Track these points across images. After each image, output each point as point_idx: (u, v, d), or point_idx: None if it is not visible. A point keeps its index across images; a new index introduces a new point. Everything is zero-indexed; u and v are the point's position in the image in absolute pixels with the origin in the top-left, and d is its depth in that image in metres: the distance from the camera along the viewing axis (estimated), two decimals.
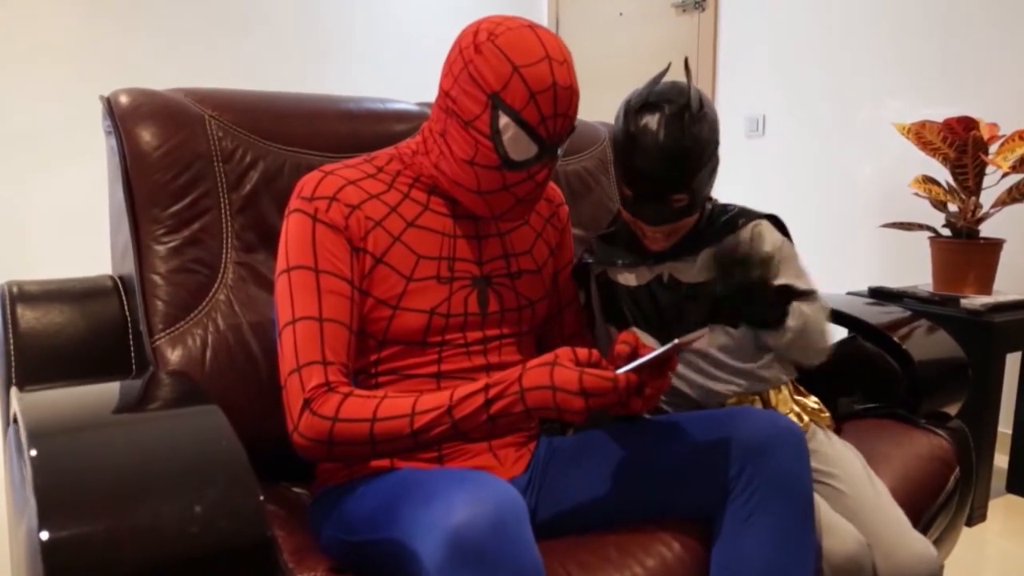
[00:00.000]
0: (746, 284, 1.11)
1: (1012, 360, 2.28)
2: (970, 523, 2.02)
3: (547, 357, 0.92)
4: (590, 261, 1.27)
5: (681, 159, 1.08)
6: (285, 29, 3.23)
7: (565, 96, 0.99)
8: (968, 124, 1.94)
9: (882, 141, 2.68)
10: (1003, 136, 2.01)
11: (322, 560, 0.96)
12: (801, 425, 1.21)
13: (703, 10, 3.21)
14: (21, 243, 2.77)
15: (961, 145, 1.97)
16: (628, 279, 1.23)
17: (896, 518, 1.13)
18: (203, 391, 0.97)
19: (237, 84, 3.12)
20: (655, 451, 1.04)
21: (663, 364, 0.94)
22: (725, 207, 1.25)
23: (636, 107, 1.11)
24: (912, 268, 2.61)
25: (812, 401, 1.27)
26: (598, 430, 1.12)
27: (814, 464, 1.18)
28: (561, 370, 0.89)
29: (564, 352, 0.92)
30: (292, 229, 1.03)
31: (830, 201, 2.88)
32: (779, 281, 1.16)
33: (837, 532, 1.05)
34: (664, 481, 1.02)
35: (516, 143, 0.99)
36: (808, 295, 1.18)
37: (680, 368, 1.21)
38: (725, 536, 0.97)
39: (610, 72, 3.63)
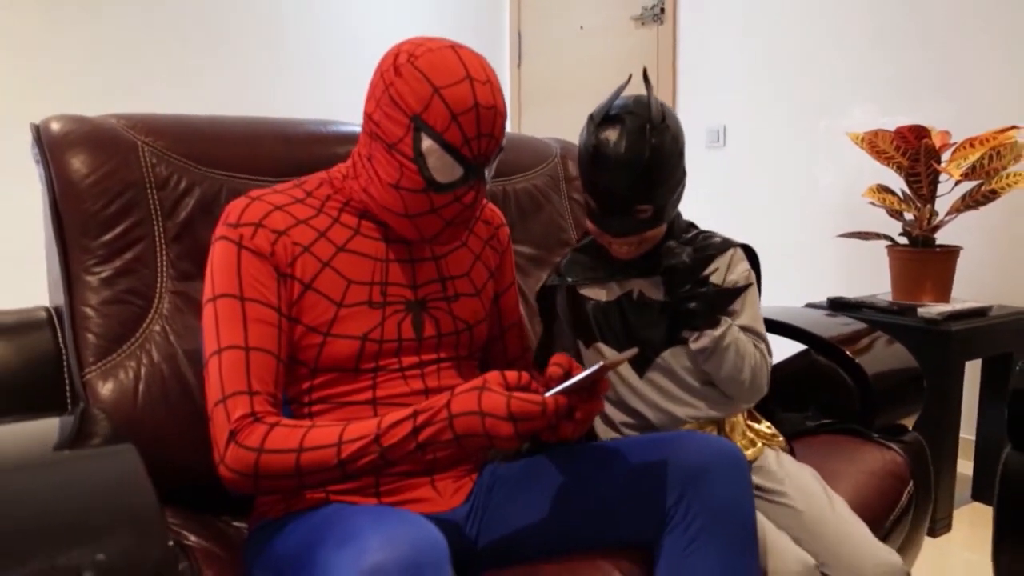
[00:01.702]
0: (675, 271, 1.15)
1: (974, 367, 2.28)
2: (934, 534, 2.01)
3: (476, 382, 0.89)
4: (555, 283, 1.27)
5: (643, 170, 1.09)
6: (249, 51, 3.21)
7: (488, 116, 0.97)
8: (919, 132, 1.94)
9: (841, 151, 2.69)
10: (955, 144, 2.02)
11: None
12: (754, 450, 1.20)
13: (662, 23, 3.22)
14: None
15: (914, 154, 1.97)
16: (598, 294, 1.23)
17: (857, 531, 1.12)
18: (121, 430, 0.94)
19: (203, 108, 3.09)
20: (594, 479, 1.02)
21: (594, 386, 0.92)
22: (699, 230, 1.26)
23: (598, 120, 1.12)
24: (872, 277, 2.61)
25: (765, 426, 1.27)
26: (542, 457, 1.10)
27: (768, 485, 1.17)
28: (489, 395, 0.87)
29: (493, 376, 0.90)
30: (217, 257, 1.00)
31: (790, 211, 2.88)
32: (717, 282, 1.18)
33: (782, 554, 1.03)
34: (603, 510, 1.00)
35: (440, 165, 0.97)
36: (750, 332, 1.19)
37: (645, 389, 1.20)
38: (666, 565, 0.95)
39: (572, 85, 3.64)
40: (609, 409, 1.25)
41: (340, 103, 3.45)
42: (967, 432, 2.32)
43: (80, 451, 0.85)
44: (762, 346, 1.20)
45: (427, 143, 0.96)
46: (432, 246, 1.13)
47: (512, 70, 3.91)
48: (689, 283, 1.15)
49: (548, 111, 3.77)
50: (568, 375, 0.95)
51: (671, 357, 1.20)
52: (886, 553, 1.10)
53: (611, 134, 1.10)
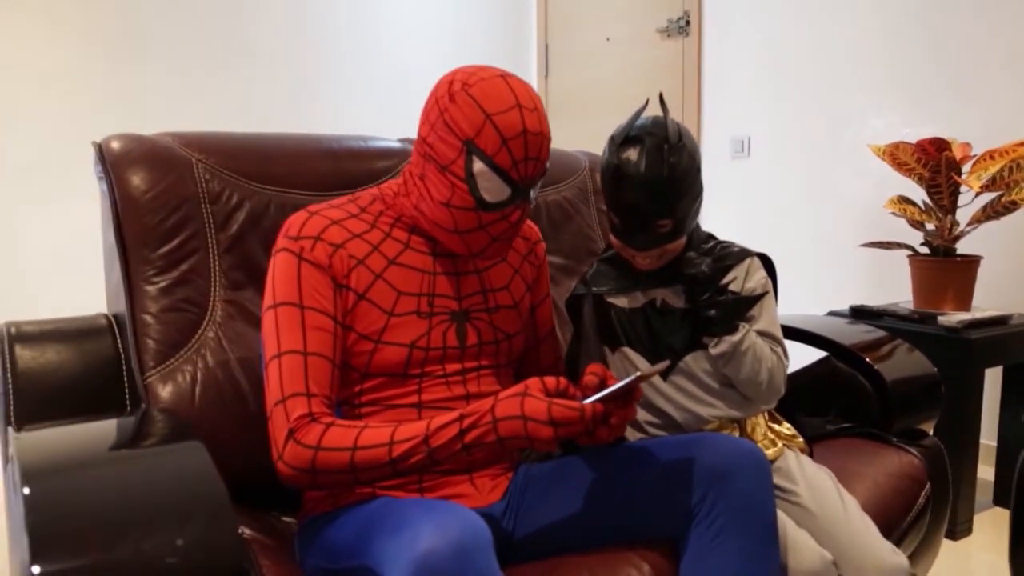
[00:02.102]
0: (696, 280, 1.21)
1: (995, 374, 2.31)
2: (955, 537, 2.05)
3: (518, 388, 0.96)
4: (583, 292, 1.34)
5: (662, 188, 1.16)
6: (276, 66, 3.31)
7: (536, 141, 1.04)
8: (940, 145, 1.99)
9: (865, 162, 2.73)
10: (975, 156, 2.06)
11: None
12: (775, 450, 1.26)
13: (687, 35, 3.28)
14: (20, 283, 2.82)
15: (935, 166, 2.01)
16: (623, 302, 1.30)
17: (864, 530, 1.18)
18: (188, 428, 1.01)
19: (228, 121, 3.19)
20: (624, 477, 1.08)
21: (628, 395, 0.99)
22: (720, 242, 1.32)
23: (619, 141, 1.19)
24: (894, 286, 2.65)
25: (785, 428, 1.32)
26: (573, 457, 1.16)
27: (785, 484, 1.23)
28: (531, 400, 0.94)
29: (534, 383, 0.97)
30: (279, 267, 1.08)
31: (814, 221, 2.93)
32: (736, 290, 1.24)
33: (801, 550, 1.09)
34: (632, 506, 1.06)
35: (490, 186, 1.04)
36: (768, 336, 1.25)
37: (669, 391, 1.27)
38: (692, 558, 1.01)
39: (599, 98, 3.70)
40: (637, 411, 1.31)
41: (370, 122, 3.54)
42: (988, 438, 2.35)
43: (154, 448, 0.93)
44: (779, 350, 1.26)
45: (478, 165, 1.04)
46: (476, 260, 1.20)
47: (539, 82, 3.98)
48: (709, 292, 1.21)
49: (575, 123, 3.83)
50: (603, 384, 1.02)
51: (692, 361, 1.26)
52: (890, 553, 1.16)
53: (631, 154, 1.17)
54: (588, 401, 0.94)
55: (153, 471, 0.86)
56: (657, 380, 1.28)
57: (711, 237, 1.33)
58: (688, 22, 3.27)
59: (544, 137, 1.05)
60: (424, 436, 0.96)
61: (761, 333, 1.25)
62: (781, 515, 1.15)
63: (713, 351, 1.22)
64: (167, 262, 1.29)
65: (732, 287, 1.25)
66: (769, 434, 1.29)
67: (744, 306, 1.22)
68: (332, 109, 3.47)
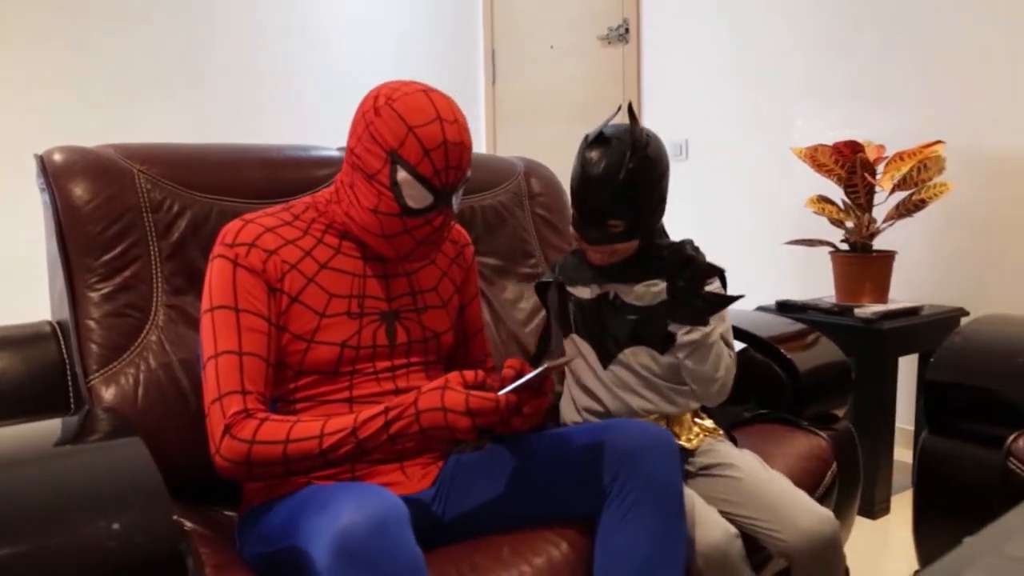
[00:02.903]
0: (693, 262, 1.28)
1: (912, 362, 2.45)
2: (873, 516, 2.17)
3: (439, 381, 1.04)
4: (548, 280, 1.44)
5: (617, 190, 1.25)
6: (222, 76, 3.34)
7: (456, 151, 1.12)
8: (854, 147, 2.11)
9: (792, 163, 2.86)
10: (888, 157, 2.19)
11: (243, 573, 1.06)
12: (697, 440, 1.36)
13: (627, 42, 3.39)
14: None
15: (850, 167, 2.14)
16: (581, 292, 1.39)
17: (793, 492, 1.28)
18: (128, 425, 1.07)
19: (174, 133, 3.21)
20: (542, 463, 1.17)
21: (540, 385, 1.07)
22: (685, 251, 1.37)
23: (589, 140, 1.29)
24: (820, 282, 2.78)
25: (708, 422, 1.42)
26: (499, 446, 1.25)
27: (711, 461, 1.33)
28: (451, 393, 1.02)
29: (454, 376, 1.05)
30: (215, 273, 1.14)
31: (746, 220, 3.06)
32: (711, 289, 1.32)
33: (707, 524, 1.18)
34: (551, 489, 1.15)
35: (413, 193, 1.12)
36: (726, 342, 1.35)
37: (608, 380, 1.36)
38: (605, 534, 1.10)
39: (545, 103, 3.79)
40: (577, 394, 1.41)
41: (319, 128, 3.58)
42: (906, 423, 2.49)
43: (94, 443, 0.98)
44: (732, 355, 1.36)
45: (402, 174, 1.11)
46: (404, 263, 1.27)
47: (487, 88, 4.06)
48: (700, 281, 1.28)
49: (522, 129, 3.92)
50: (520, 375, 1.10)
51: (631, 355, 1.35)
52: (822, 509, 1.25)
53: (595, 154, 1.27)
54: (502, 392, 1.02)
55: (92, 464, 0.91)
56: (598, 370, 1.37)
57: (672, 245, 1.39)
58: (627, 30, 3.38)
59: (464, 147, 1.13)
60: (352, 428, 1.03)
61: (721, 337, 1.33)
62: (692, 494, 1.25)
63: (684, 338, 1.29)
64: (109, 269, 1.33)
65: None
66: (694, 428, 1.39)
67: (724, 302, 1.30)
68: (278, 118, 3.51)
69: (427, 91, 1.13)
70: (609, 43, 3.46)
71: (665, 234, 1.40)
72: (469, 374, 1.06)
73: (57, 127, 2.97)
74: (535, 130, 3.85)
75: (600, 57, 3.50)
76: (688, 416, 1.39)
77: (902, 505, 2.24)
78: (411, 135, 1.09)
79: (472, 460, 1.25)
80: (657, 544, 1.08)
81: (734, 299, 1.30)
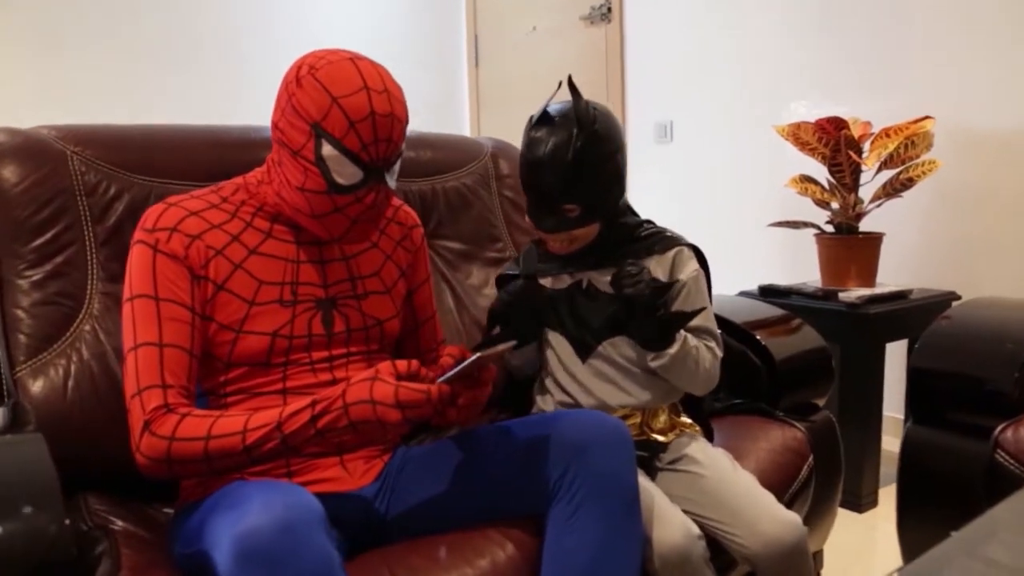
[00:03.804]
0: (634, 302, 1.18)
1: (902, 348, 2.37)
2: (860, 509, 2.10)
3: (369, 372, 0.97)
4: (510, 272, 1.36)
5: (567, 172, 1.16)
6: (196, 59, 3.26)
7: (384, 123, 1.04)
8: (838, 124, 2.03)
9: (779, 143, 2.77)
10: (873, 134, 2.10)
11: (161, 574, 0.99)
12: (672, 433, 1.29)
13: (609, 21, 3.30)
14: None
15: (834, 144, 2.05)
16: (552, 283, 1.31)
17: (757, 494, 1.20)
18: (44, 421, 1.00)
19: (144, 116, 3.13)
20: (489, 458, 1.09)
21: (478, 375, 1.00)
22: (651, 226, 1.31)
23: (533, 122, 1.21)
24: (807, 265, 2.70)
25: (684, 419, 1.34)
26: (448, 440, 1.17)
27: (674, 456, 1.26)
28: (380, 384, 0.94)
29: (385, 367, 0.97)
30: (135, 260, 1.07)
31: (732, 202, 2.97)
32: (673, 308, 1.23)
33: (667, 523, 1.11)
34: (498, 485, 1.08)
35: (341, 169, 1.04)
36: (703, 332, 1.26)
37: (584, 376, 1.29)
38: (553, 533, 1.03)
39: (528, 86, 3.71)
40: (552, 388, 1.33)
41: None
42: (896, 411, 2.41)
43: None
44: (713, 344, 1.27)
45: (327, 149, 1.03)
46: (342, 247, 1.19)
47: (470, 71, 3.98)
48: (645, 311, 1.18)
49: (505, 111, 3.84)
50: (459, 365, 1.02)
51: (611, 346, 1.27)
52: (784, 512, 1.17)
53: (540, 134, 1.19)
54: (437, 382, 0.95)
55: None
56: (575, 363, 1.28)
57: (645, 223, 1.32)
58: (610, 9, 3.29)
59: (395, 119, 1.05)
60: (277, 423, 0.96)
61: (696, 330, 1.25)
62: (653, 489, 1.17)
63: (652, 364, 1.23)
64: (39, 256, 1.26)
65: (659, 276, 1.25)
66: (671, 423, 1.31)
67: (680, 321, 1.21)
68: (252, 101, 3.42)
69: (354, 59, 1.05)
70: (592, 23, 3.37)
71: (632, 211, 1.32)
72: (402, 364, 0.98)
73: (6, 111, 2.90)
74: (519, 114, 3.76)
75: (583, 37, 3.41)
76: (666, 409, 1.31)
77: (890, 498, 2.16)
78: (335, 106, 1.01)
79: (419, 454, 1.17)
80: (608, 543, 1.01)
81: (691, 316, 1.21)
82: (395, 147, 1.07)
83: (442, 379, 0.95)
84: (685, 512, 1.16)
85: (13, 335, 1.22)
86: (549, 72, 3.60)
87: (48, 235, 1.27)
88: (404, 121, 1.07)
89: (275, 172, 1.11)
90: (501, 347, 0.97)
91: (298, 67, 1.06)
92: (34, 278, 1.25)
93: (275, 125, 1.08)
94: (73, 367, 1.23)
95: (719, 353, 1.28)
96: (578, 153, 1.16)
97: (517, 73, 3.75)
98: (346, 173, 1.04)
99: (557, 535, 1.02)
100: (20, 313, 1.23)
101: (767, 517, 1.16)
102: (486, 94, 3.92)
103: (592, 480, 1.02)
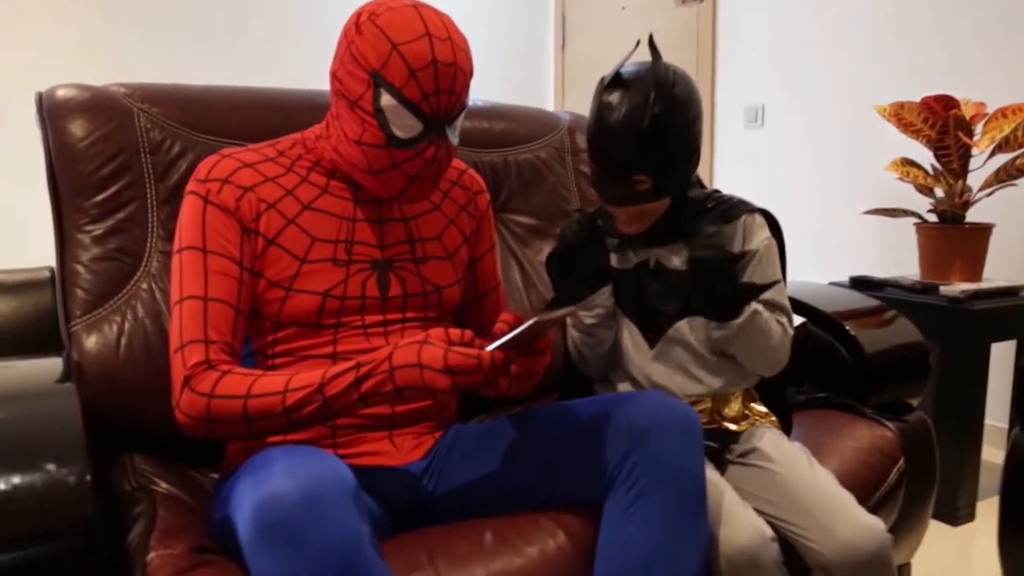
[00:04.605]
0: (706, 266, 1.10)
1: (1008, 349, 2.17)
2: (955, 522, 1.93)
3: (419, 336, 0.90)
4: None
5: (641, 139, 1.07)
6: (284, 26, 3.27)
7: (447, 72, 0.97)
8: (947, 103, 1.86)
9: (879, 127, 2.59)
10: (987, 115, 1.92)
11: (192, 539, 0.95)
12: (745, 423, 1.19)
13: (701, 1, 3.16)
14: None
15: (942, 126, 1.89)
16: (613, 261, 1.22)
17: (836, 495, 1.08)
18: (97, 378, 0.97)
19: (194, 76, 3.17)
20: (544, 440, 1.02)
21: (532, 342, 0.92)
22: (719, 196, 1.22)
23: (606, 84, 1.11)
24: (906, 258, 2.51)
25: (760, 407, 1.24)
26: (503, 418, 1.10)
27: (746, 448, 1.16)
28: (429, 348, 0.88)
29: (436, 332, 0.91)
30: (185, 210, 1.04)
31: (828, 190, 2.80)
32: (744, 279, 1.13)
33: (737, 522, 1.01)
34: (552, 468, 1.00)
35: (400, 121, 0.98)
36: (773, 306, 1.16)
37: (653, 362, 1.20)
38: (609, 524, 0.94)
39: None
40: (618, 375, 1.25)
41: None
42: (1000, 420, 2.22)
43: (28, 391, 0.89)
44: (784, 320, 1.17)
45: (386, 99, 0.97)
46: (402, 207, 1.13)
47: (556, 53, 3.89)
48: (716, 280, 1.10)
49: (590, 93, 3.74)
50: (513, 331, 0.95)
51: (686, 328, 1.18)
52: (865, 517, 1.05)
53: (613, 99, 1.09)
54: (488, 349, 0.87)
55: (14, 413, 0.82)
56: (642, 348, 1.20)
57: (713, 194, 1.22)
58: None
59: (458, 68, 0.98)
60: (319, 384, 0.90)
61: (767, 303, 1.15)
62: (724, 484, 1.07)
63: (715, 334, 1.14)
64: (101, 211, 1.25)
65: (731, 247, 1.15)
66: (745, 412, 1.21)
67: (752, 293, 1.11)
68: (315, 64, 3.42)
69: (417, 6, 0.99)
70: (683, 2, 3.23)
71: (701, 184, 1.21)
72: (455, 331, 0.92)
73: (65, 69, 2.95)
74: None
75: (673, 17, 3.28)
76: (739, 396, 1.21)
77: (990, 512, 1.98)
78: (395, 53, 0.95)
79: (472, 432, 1.11)
80: (669, 540, 0.91)
81: (763, 289, 1.11)
82: (457, 99, 1.00)
83: (495, 345, 0.88)
84: (759, 512, 1.06)
85: (71, 289, 1.21)
86: (637, 53, 3.48)
87: (111, 191, 1.26)
88: (468, 73, 1.00)
89: (333, 126, 1.06)
90: (561, 312, 0.89)
91: (359, 14, 1.00)
92: (95, 233, 1.24)
93: (334, 75, 1.03)
94: (127, 325, 1.21)
95: (790, 331, 1.17)
96: (655, 119, 1.06)
97: (603, 54, 3.65)
98: (405, 125, 0.98)
99: (613, 527, 0.94)
100: (79, 268, 1.22)
101: (845, 521, 1.04)
102: (571, 75, 3.82)
103: (654, 468, 0.93)
